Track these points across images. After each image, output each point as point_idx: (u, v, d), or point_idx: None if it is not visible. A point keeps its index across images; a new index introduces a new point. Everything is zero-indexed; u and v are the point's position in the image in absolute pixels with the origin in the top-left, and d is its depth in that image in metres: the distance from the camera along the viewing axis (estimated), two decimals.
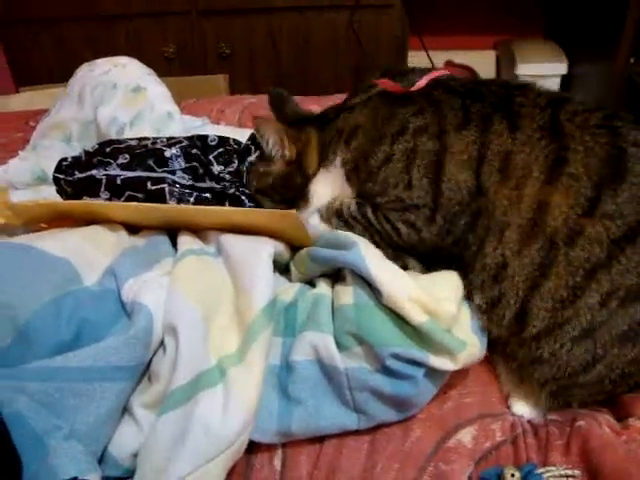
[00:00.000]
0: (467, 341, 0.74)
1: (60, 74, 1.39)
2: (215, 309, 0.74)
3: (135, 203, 0.86)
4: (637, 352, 0.70)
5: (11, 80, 2.24)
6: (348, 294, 0.76)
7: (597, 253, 0.70)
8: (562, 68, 2.41)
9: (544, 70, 2.41)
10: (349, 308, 0.74)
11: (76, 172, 0.92)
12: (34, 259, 0.73)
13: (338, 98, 1.52)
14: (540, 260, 0.72)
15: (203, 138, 1.02)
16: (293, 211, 0.81)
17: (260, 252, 0.77)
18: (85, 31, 2.15)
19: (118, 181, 0.88)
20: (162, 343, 0.71)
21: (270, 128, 0.90)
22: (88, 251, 0.77)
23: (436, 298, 0.73)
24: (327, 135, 0.90)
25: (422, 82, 0.84)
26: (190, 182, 0.92)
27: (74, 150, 1.23)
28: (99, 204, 0.86)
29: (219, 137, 1.04)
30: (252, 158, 1.00)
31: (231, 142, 1.06)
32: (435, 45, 2.49)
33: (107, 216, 0.83)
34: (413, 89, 0.84)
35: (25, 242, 0.76)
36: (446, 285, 0.77)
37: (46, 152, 1.21)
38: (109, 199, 0.89)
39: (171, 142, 0.98)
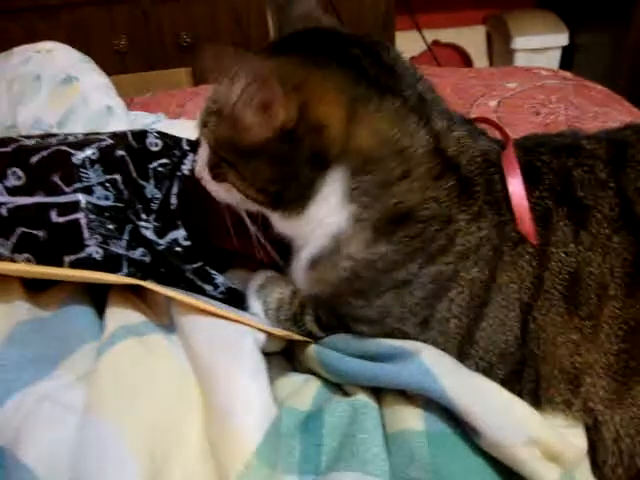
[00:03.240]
0: None
1: None
2: (173, 447, 0.42)
3: (17, 265, 0.54)
4: None
5: None
6: (414, 414, 0.46)
7: None
8: (563, 39, 2.22)
9: (543, 42, 2.22)
10: (418, 437, 0.45)
11: None
12: None
13: None
14: None
15: (141, 136, 0.66)
16: None
17: (240, 340, 0.47)
18: (24, 24, 1.86)
19: (3, 211, 0.57)
20: None
21: (245, 64, 0.50)
22: None
23: (558, 433, 0.46)
24: (392, 124, 0.52)
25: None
26: (120, 204, 0.60)
27: None
28: None
29: (167, 138, 0.69)
30: (186, 168, 0.66)
31: (185, 146, 0.70)
32: (421, 24, 2.28)
33: None
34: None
35: None
36: None
37: None
38: None
39: (86, 140, 0.63)
